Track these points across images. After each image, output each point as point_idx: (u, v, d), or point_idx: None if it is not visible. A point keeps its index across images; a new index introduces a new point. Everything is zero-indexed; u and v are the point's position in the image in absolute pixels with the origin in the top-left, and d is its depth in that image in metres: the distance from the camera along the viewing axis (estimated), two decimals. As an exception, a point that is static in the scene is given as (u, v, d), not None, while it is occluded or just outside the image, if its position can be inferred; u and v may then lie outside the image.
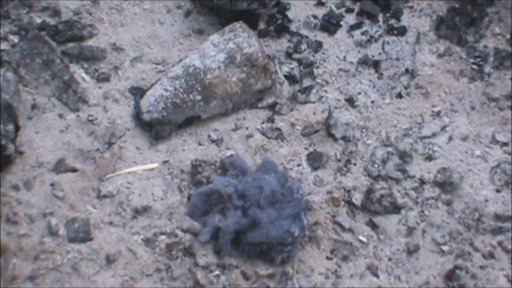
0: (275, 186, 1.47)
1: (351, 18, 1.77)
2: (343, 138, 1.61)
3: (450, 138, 1.64)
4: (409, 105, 1.68)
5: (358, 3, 1.78)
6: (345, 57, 1.72)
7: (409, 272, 1.49)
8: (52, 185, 1.51)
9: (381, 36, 1.75)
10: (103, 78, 1.64)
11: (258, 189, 1.46)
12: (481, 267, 1.49)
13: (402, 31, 1.75)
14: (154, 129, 1.58)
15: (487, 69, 1.72)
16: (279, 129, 1.62)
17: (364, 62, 1.72)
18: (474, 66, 1.73)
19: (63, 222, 1.47)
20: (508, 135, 1.64)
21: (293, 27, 1.74)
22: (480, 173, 1.59)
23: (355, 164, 1.59)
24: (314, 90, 1.67)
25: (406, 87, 1.70)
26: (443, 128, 1.65)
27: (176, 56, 1.68)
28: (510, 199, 1.56)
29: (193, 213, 1.49)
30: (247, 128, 1.62)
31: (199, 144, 1.59)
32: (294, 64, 1.69)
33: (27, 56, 1.63)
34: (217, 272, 1.44)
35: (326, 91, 1.68)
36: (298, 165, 1.58)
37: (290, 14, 1.75)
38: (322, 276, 1.47)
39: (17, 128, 1.52)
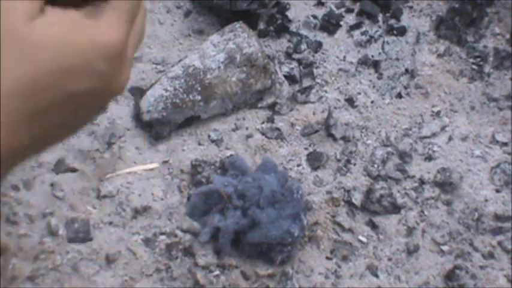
0: (275, 186, 1.47)
1: (350, 18, 1.77)
2: (343, 138, 1.61)
3: (450, 138, 1.64)
4: (409, 105, 1.68)
5: (358, 3, 1.78)
6: (344, 57, 1.72)
7: (409, 272, 1.49)
8: (52, 185, 1.51)
9: (380, 36, 1.75)
10: (103, 78, 1.64)
11: (258, 189, 1.46)
12: (481, 267, 1.50)
13: (402, 31, 1.75)
14: (154, 129, 1.58)
15: (487, 69, 1.73)
16: (278, 129, 1.62)
17: (364, 62, 1.72)
18: (474, 66, 1.73)
19: (63, 222, 1.47)
20: (508, 135, 1.64)
21: (293, 27, 1.74)
22: (480, 173, 1.59)
23: (355, 164, 1.59)
24: (314, 90, 1.67)
25: (405, 87, 1.70)
26: (443, 128, 1.65)
27: (176, 56, 1.68)
28: (510, 199, 1.56)
29: (193, 213, 1.49)
30: (247, 128, 1.62)
31: (199, 144, 1.59)
32: (294, 64, 1.69)
33: (27, 56, 1.63)
34: (217, 272, 1.44)
35: (326, 91, 1.68)
36: (298, 165, 1.58)
37: (290, 14, 1.75)
38: (322, 276, 1.47)
39: (17, 128, 1.52)
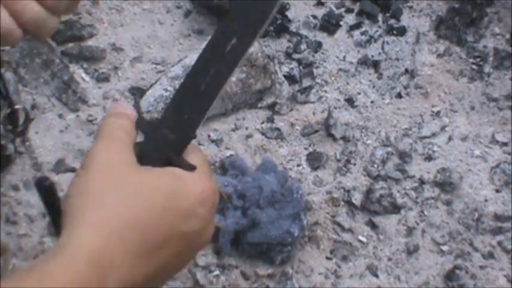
0: (275, 186, 1.47)
1: (350, 19, 1.76)
2: (343, 138, 1.61)
3: (450, 138, 1.64)
4: (409, 105, 1.68)
5: (358, 3, 1.77)
6: (344, 57, 1.72)
7: (408, 272, 1.49)
8: (52, 185, 1.51)
9: (380, 36, 1.75)
10: (103, 78, 1.64)
11: (258, 189, 1.46)
12: (481, 267, 1.50)
13: (402, 31, 1.75)
14: (154, 129, 1.58)
15: (487, 69, 1.73)
16: (278, 129, 1.62)
17: (364, 62, 1.72)
18: (474, 66, 1.73)
19: (63, 222, 1.47)
20: (508, 135, 1.64)
21: (293, 27, 1.74)
22: (480, 173, 1.59)
23: (354, 164, 1.59)
24: (314, 90, 1.67)
25: (405, 87, 1.69)
26: (442, 128, 1.65)
27: (176, 56, 1.68)
28: (510, 199, 1.56)
29: (193, 213, 1.49)
30: (246, 128, 1.62)
31: (199, 144, 1.59)
32: (294, 64, 1.69)
33: (26, 56, 1.63)
34: (217, 272, 1.44)
35: (326, 91, 1.68)
36: (298, 165, 1.58)
37: (290, 14, 1.75)
38: (321, 276, 1.47)
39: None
